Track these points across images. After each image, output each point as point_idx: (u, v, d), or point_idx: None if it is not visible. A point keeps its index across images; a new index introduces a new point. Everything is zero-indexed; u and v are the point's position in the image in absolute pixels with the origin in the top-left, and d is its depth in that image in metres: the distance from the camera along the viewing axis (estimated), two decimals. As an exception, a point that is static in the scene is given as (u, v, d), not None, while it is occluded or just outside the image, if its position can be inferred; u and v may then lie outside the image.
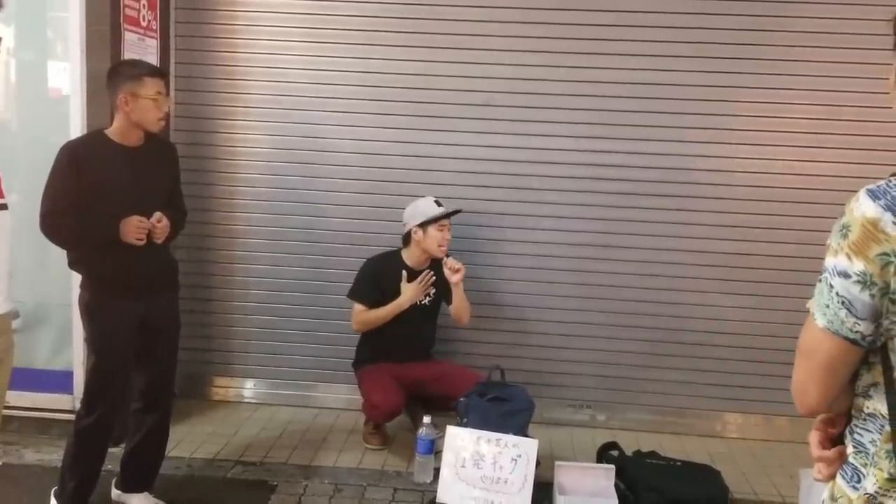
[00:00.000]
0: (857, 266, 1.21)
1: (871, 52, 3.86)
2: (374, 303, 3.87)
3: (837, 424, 1.41)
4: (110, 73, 2.97)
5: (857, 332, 1.24)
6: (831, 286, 1.25)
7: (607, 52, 4.10)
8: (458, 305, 3.91)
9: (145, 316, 2.99)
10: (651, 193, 4.16)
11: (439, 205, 3.83)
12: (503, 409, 3.60)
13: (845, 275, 1.23)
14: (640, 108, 4.12)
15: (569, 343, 4.31)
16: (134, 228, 2.83)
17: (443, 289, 3.94)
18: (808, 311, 1.32)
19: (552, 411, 4.27)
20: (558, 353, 4.32)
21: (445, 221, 3.85)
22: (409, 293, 3.84)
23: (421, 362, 3.99)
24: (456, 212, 3.90)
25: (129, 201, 2.86)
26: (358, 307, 3.90)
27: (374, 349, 3.96)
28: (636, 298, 4.24)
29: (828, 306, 1.26)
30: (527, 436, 3.49)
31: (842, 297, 1.23)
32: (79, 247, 2.95)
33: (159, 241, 2.92)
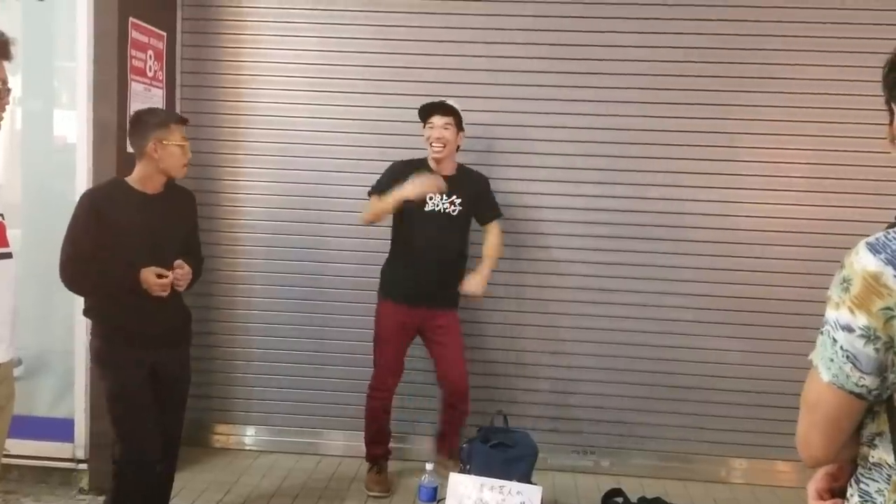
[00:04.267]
0: (861, 320, 1.21)
1: (870, 99, 3.90)
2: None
3: (841, 478, 1.40)
4: (134, 122, 3.00)
5: (862, 385, 1.23)
6: (835, 340, 1.24)
7: (600, 98, 4.15)
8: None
9: (157, 365, 2.99)
10: (653, 237, 4.18)
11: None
12: (507, 456, 3.58)
13: (849, 329, 1.22)
14: (636, 154, 4.16)
15: (572, 388, 4.29)
16: (155, 285, 2.83)
17: (471, 203, 3.81)
18: (810, 363, 1.30)
19: (556, 457, 4.24)
20: (561, 398, 4.30)
21: (434, 121, 3.73)
22: (414, 183, 3.61)
23: (438, 312, 3.85)
24: (441, 104, 3.75)
25: (148, 248, 2.88)
26: (372, 199, 3.77)
27: (396, 268, 3.86)
28: (639, 343, 4.23)
29: (832, 360, 1.25)
30: (530, 482, 3.46)
31: (846, 350, 1.22)
32: (97, 294, 2.96)
33: (181, 289, 2.93)
